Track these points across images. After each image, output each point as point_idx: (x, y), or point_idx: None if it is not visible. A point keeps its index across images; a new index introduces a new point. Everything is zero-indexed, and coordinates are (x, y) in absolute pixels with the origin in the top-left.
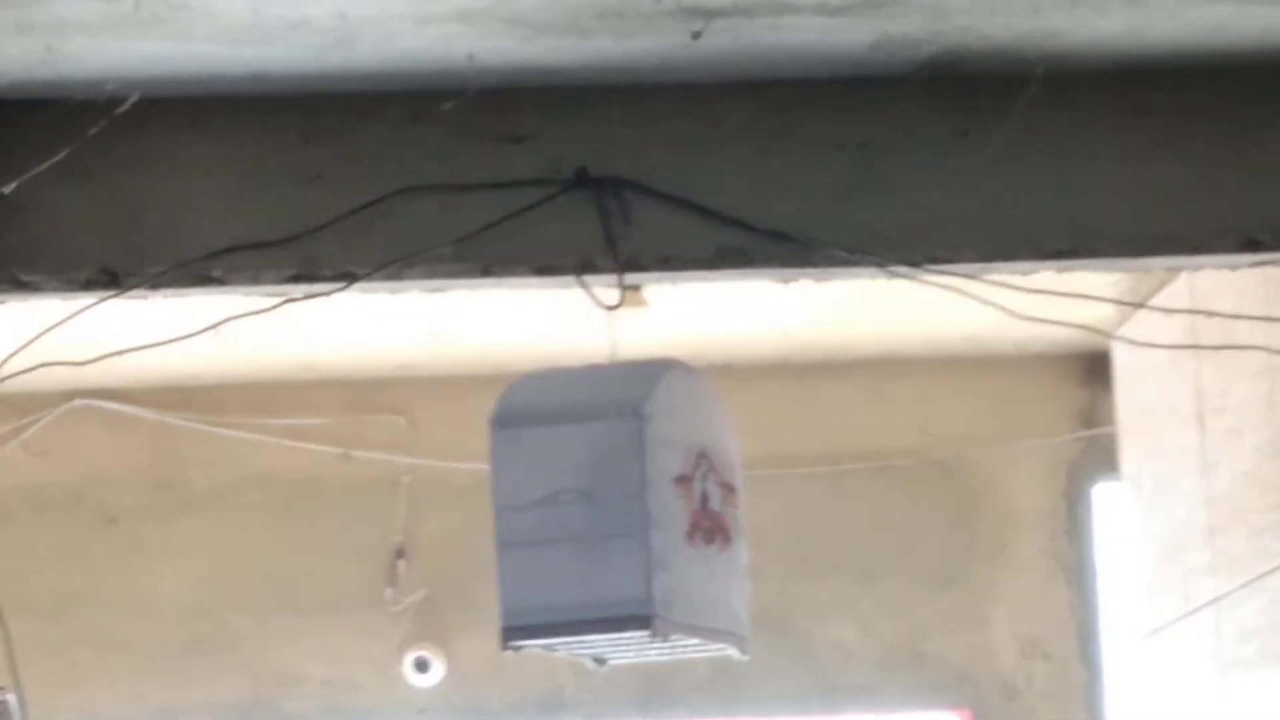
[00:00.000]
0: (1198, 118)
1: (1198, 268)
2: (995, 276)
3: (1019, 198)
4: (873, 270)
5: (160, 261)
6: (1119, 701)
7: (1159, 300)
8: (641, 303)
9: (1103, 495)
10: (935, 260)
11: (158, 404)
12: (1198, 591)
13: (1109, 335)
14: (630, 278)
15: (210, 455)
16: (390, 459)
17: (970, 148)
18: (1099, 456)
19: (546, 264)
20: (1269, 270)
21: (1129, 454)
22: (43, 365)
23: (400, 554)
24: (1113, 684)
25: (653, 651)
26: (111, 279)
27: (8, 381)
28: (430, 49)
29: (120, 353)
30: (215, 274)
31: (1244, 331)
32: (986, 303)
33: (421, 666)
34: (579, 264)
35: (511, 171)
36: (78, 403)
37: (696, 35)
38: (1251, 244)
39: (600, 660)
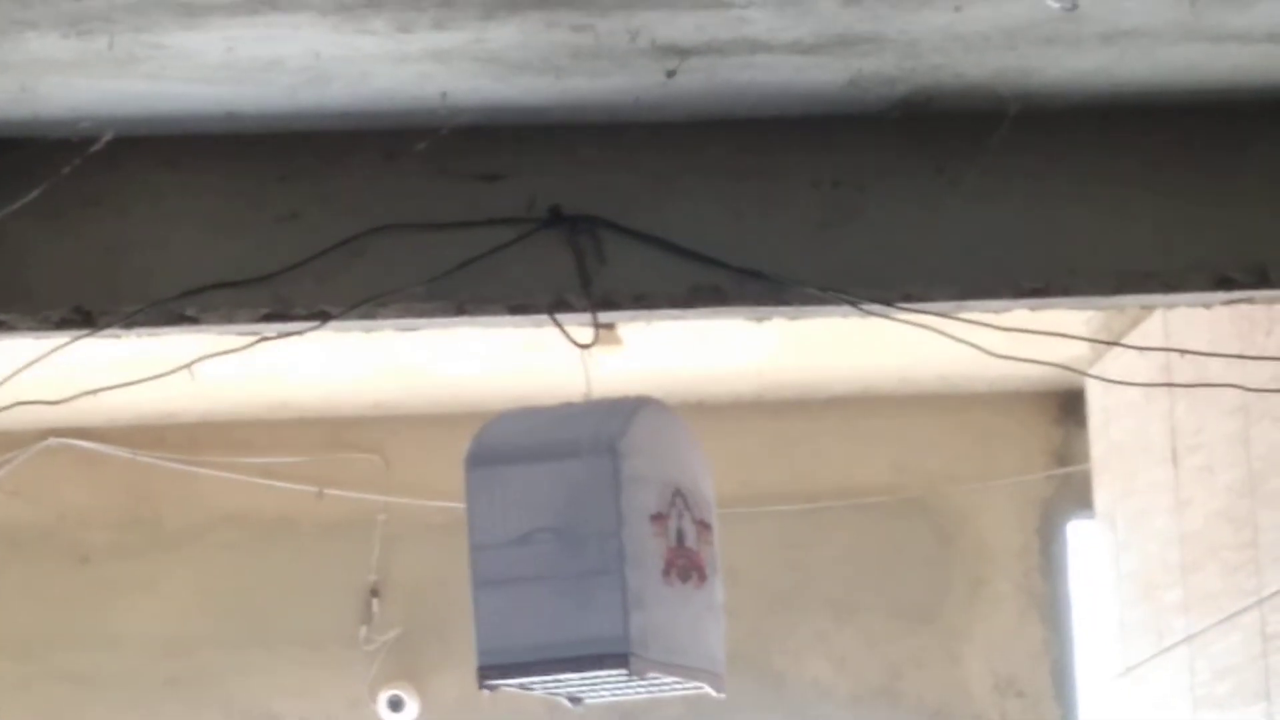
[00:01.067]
0: (1172, 156)
1: (1171, 305)
2: (969, 315)
3: (993, 235)
4: (846, 308)
5: (134, 300)
6: None
7: (1133, 338)
8: (616, 341)
9: (1076, 533)
10: (909, 298)
11: (132, 443)
12: (1171, 629)
13: (1083, 373)
14: (604, 316)
15: (184, 494)
16: (365, 497)
17: (945, 185)
18: (1073, 494)
19: (520, 303)
20: (1242, 308)
21: (1103, 491)
22: (16, 404)
23: (375, 592)
24: None
25: (629, 690)
26: (85, 318)
27: None
28: (405, 88)
29: (94, 391)
30: (189, 313)
31: (1218, 369)
32: (960, 341)
33: (395, 705)
34: (553, 302)
35: (485, 210)
36: (51, 441)
37: (671, 74)
38: (1225, 282)
39: (576, 699)
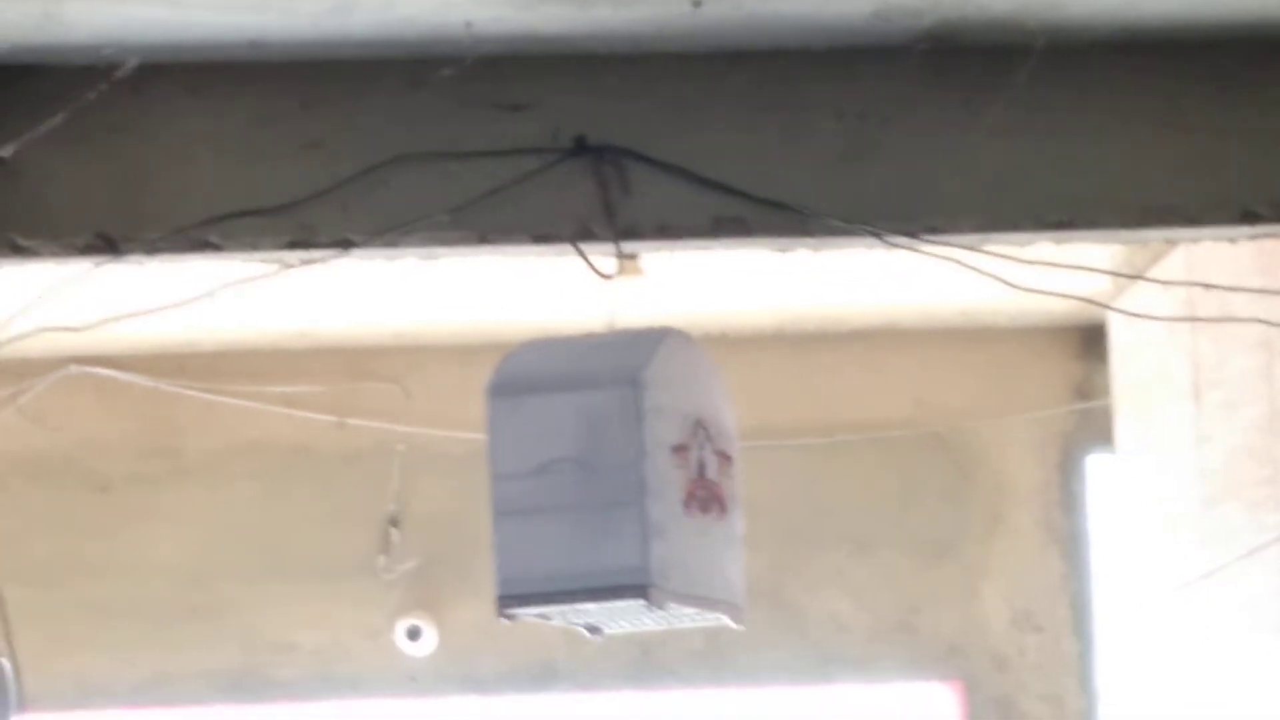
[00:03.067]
0: (1196, 90)
1: (1195, 240)
2: (992, 248)
3: (1017, 169)
4: (870, 240)
5: (157, 227)
6: (1111, 674)
7: (1155, 272)
8: (638, 271)
9: (1097, 468)
10: (933, 231)
11: (152, 371)
12: (1192, 564)
13: (1105, 307)
14: (627, 246)
15: (204, 423)
16: (385, 427)
17: (969, 119)
18: (1094, 429)
19: (544, 232)
20: (1266, 243)
21: (1124, 427)
22: (38, 331)
23: (394, 522)
24: (1105, 656)
25: (648, 620)
26: (108, 244)
27: (3, 347)
28: (429, 16)
29: (116, 319)
30: (212, 240)
31: (1241, 304)
32: (983, 274)
33: (413, 635)
34: (576, 232)
35: (509, 140)
36: (72, 369)
37: (697, 4)
38: (1249, 216)
39: (595, 629)
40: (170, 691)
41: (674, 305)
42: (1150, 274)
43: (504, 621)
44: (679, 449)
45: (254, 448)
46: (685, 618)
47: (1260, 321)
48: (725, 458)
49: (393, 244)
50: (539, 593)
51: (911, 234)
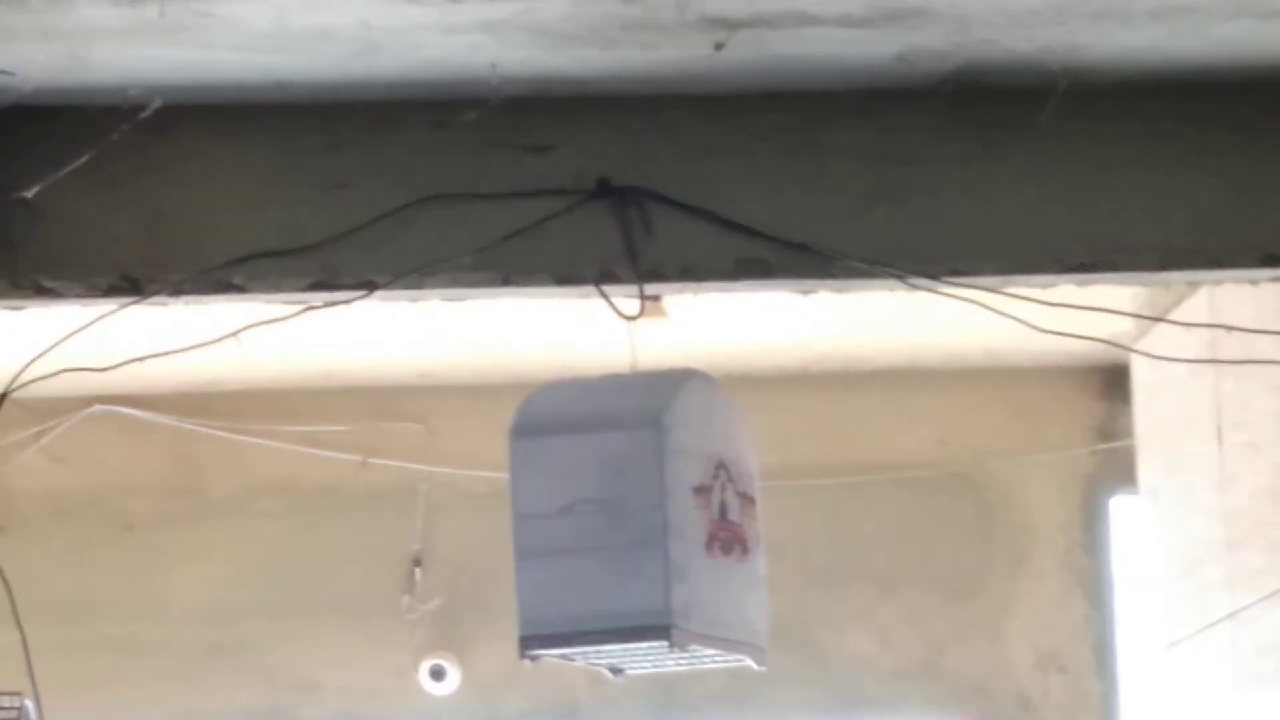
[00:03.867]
0: (1220, 132)
1: (1218, 282)
2: (1015, 290)
3: (1040, 211)
4: (893, 282)
5: (181, 268)
6: (1134, 715)
7: (1178, 314)
8: (662, 313)
9: (1120, 508)
10: (955, 273)
11: (177, 410)
12: (1215, 606)
13: (1128, 349)
14: (650, 288)
15: (229, 462)
16: (409, 466)
17: (992, 160)
18: (1117, 470)
19: (567, 274)
20: None
21: (1147, 467)
22: (63, 371)
23: (417, 562)
24: (1128, 697)
25: (670, 662)
26: (133, 285)
27: (28, 387)
28: (454, 58)
29: (141, 359)
30: (236, 281)
31: (1264, 346)
32: (1006, 316)
33: (437, 675)
34: (599, 274)
35: (533, 181)
36: (97, 408)
37: (719, 46)
38: (1272, 259)
39: (618, 670)
40: None
41: (697, 346)
42: (1173, 315)
43: (527, 663)
44: (701, 490)
45: (278, 487)
46: (707, 659)
47: None
48: (748, 499)
49: (416, 285)
50: (561, 634)
51: (934, 276)
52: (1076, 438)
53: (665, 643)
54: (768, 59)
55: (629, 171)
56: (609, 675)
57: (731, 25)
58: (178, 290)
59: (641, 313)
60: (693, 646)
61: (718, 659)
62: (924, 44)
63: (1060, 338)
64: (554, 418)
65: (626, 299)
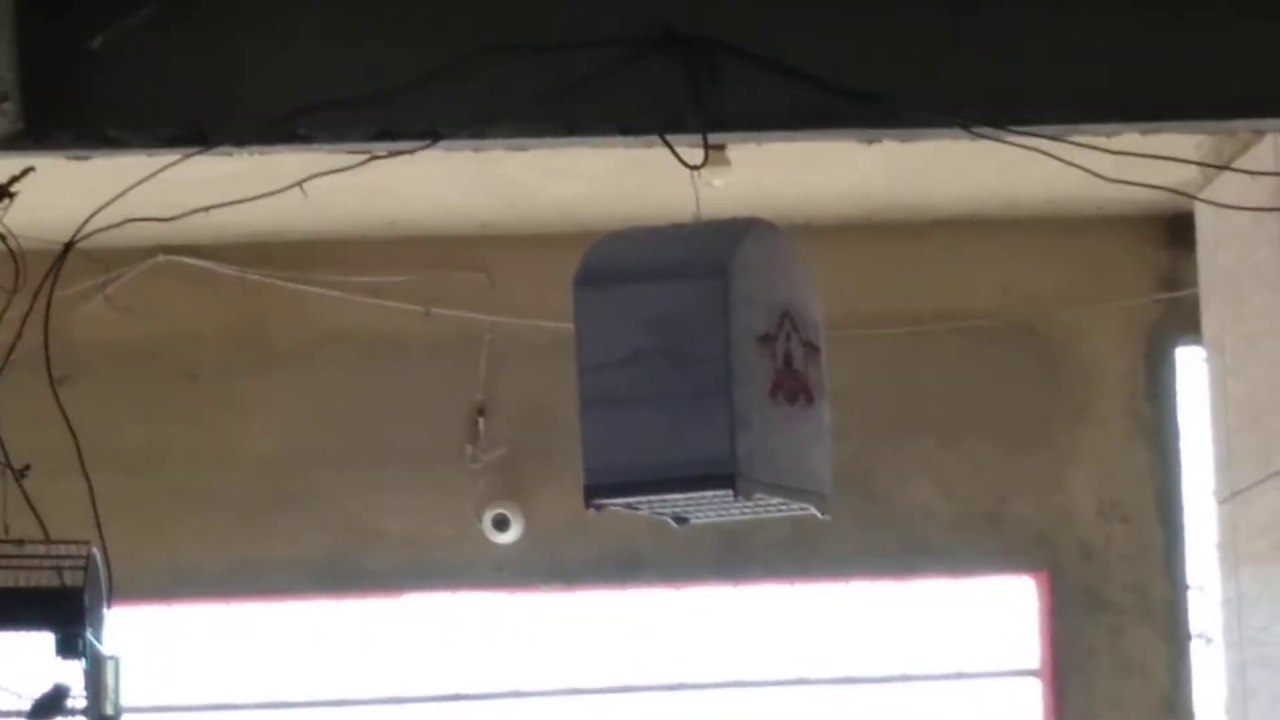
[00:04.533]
0: None
1: None
2: (1079, 138)
3: (1105, 59)
4: (957, 131)
5: (246, 118)
6: (1197, 563)
7: (1243, 162)
8: (725, 162)
9: (1184, 358)
10: (1019, 121)
11: (241, 260)
12: (1278, 454)
13: (1192, 197)
14: (715, 137)
15: (292, 312)
16: (472, 316)
17: (1058, 8)
18: (1180, 319)
19: (631, 123)
20: None
21: (1211, 317)
22: (128, 221)
23: (481, 411)
24: (1191, 546)
25: (735, 510)
26: (198, 135)
27: (93, 237)
28: None
29: (205, 209)
30: (300, 131)
31: None
32: (1070, 164)
33: (500, 524)
34: (664, 123)
35: (599, 30)
36: (161, 258)
37: None
38: None
39: (682, 519)
40: (259, 580)
41: (761, 195)
42: (1238, 164)
43: (591, 511)
44: (765, 339)
45: (342, 337)
46: (771, 508)
47: None
48: (812, 348)
49: (480, 135)
50: (626, 482)
51: (998, 124)
52: (1140, 287)
53: (730, 491)
54: None
55: (694, 20)
56: (673, 524)
57: None
58: (242, 140)
59: (705, 162)
60: (757, 495)
61: (782, 508)
62: None
63: (1124, 186)
64: (618, 267)
65: (691, 148)
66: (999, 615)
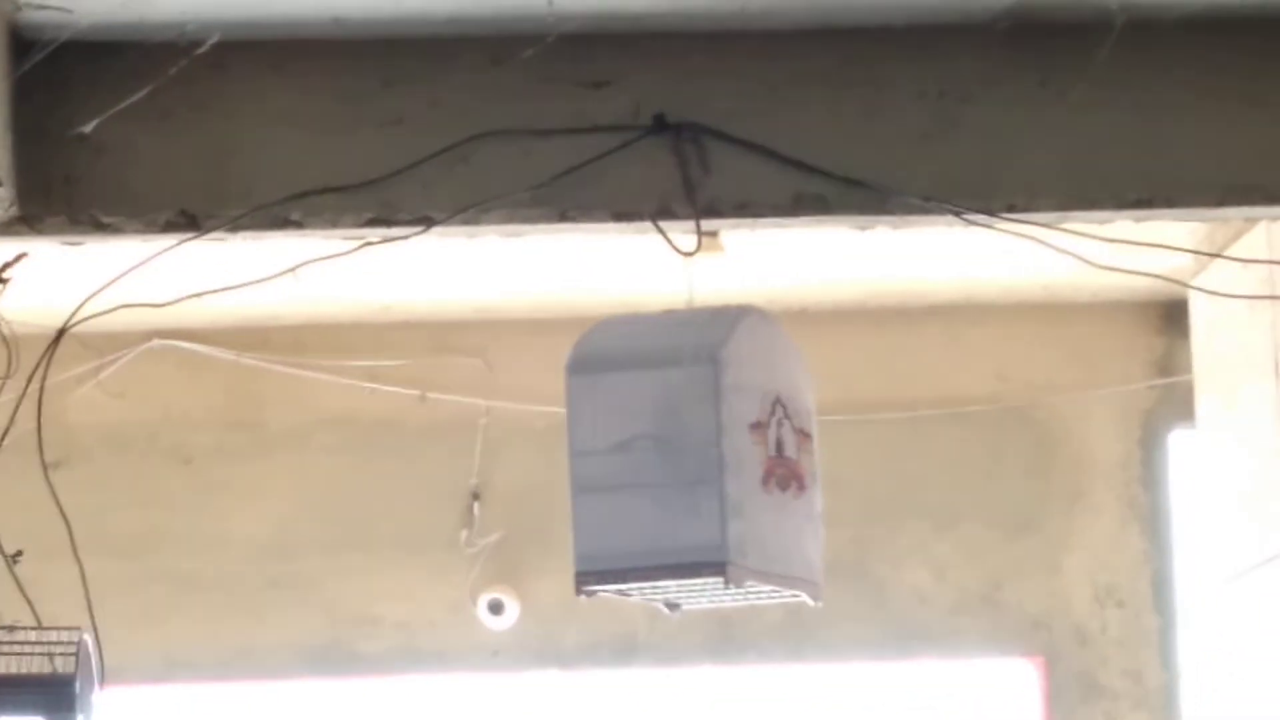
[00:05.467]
0: (1276, 68)
1: (1276, 218)
2: (1072, 226)
3: (1097, 147)
4: (949, 218)
5: (239, 204)
6: (1193, 649)
7: (1236, 250)
8: (719, 248)
9: (1178, 443)
10: (1013, 209)
11: (235, 345)
12: (1273, 541)
13: (1186, 284)
14: (708, 224)
15: (287, 396)
16: (467, 401)
17: (1050, 97)
18: (1175, 405)
19: (624, 210)
20: None
21: (1205, 402)
22: (122, 306)
23: (476, 496)
24: (1187, 632)
25: (726, 598)
26: (191, 221)
27: (87, 322)
28: None
29: (199, 294)
30: (294, 217)
31: None
32: (1063, 252)
33: (496, 609)
34: (656, 210)
35: (591, 117)
36: (155, 343)
37: None
38: None
39: (674, 606)
40: (255, 664)
41: (754, 282)
42: (1231, 251)
43: (583, 598)
44: (757, 426)
45: (337, 421)
46: (764, 595)
47: None
48: (804, 435)
49: (473, 221)
50: (618, 569)
51: (991, 212)
52: (1135, 373)
53: (721, 579)
54: None
55: (686, 107)
56: (665, 611)
57: None
58: (236, 226)
59: (698, 249)
60: (749, 582)
61: (774, 595)
62: None
63: (1118, 273)
64: (611, 354)
65: (683, 235)
66: (995, 701)
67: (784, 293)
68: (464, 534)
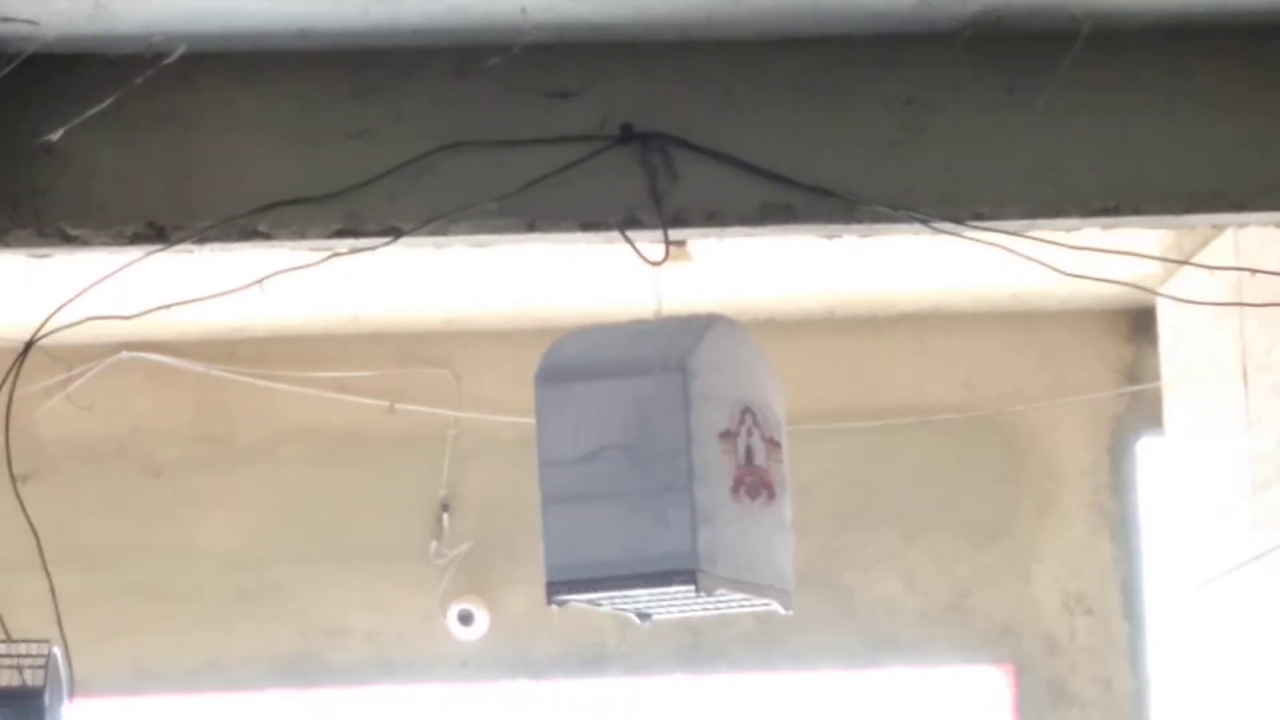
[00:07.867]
0: (1243, 76)
1: (1243, 225)
2: (1040, 233)
3: (1064, 155)
4: (916, 227)
5: (206, 216)
6: (1162, 657)
7: (1204, 257)
8: (686, 258)
9: (1147, 451)
10: (980, 217)
11: (204, 357)
12: (1241, 548)
13: (1153, 292)
14: (675, 233)
15: (256, 408)
16: (436, 412)
17: (1015, 105)
18: (1143, 412)
19: (591, 219)
20: None
21: (1173, 410)
22: (89, 319)
23: (445, 507)
24: (1156, 639)
25: (697, 606)
26: (158, 233)
27: (55, 334)
28: (479, 4)
29: (167, 306)
30: (261, 229)
31: None
32: (1031, 260)
33: (465, 620)
34: (624, 219)
35: (557, 127)
36: (124, 355)
37: None
38: None
39: (644, 615)
40: (224, 676)
41: (722, 291)
42: (1198, 258)
43: (554, 608)
44: (726, 435)
45: (306, 433)
46: (734, 604)
47: None
48: (773, 444)
49: (441, 232)
50: (588, 579)
51: (958, 220)
52: (1103, 380)
53: (691, 587)
54: (792, 3)
55: (653, 117)
56: (636, 620)
57: None
58: (203, 238)
59: (666, 258)
60: (719, 591)
61: (744, 603)
62: None
63: (1086, 281)
64: (579, 364)
65: (651, 245)
66: (965, 709)
67: (752, 302)
68: (433, 545)
